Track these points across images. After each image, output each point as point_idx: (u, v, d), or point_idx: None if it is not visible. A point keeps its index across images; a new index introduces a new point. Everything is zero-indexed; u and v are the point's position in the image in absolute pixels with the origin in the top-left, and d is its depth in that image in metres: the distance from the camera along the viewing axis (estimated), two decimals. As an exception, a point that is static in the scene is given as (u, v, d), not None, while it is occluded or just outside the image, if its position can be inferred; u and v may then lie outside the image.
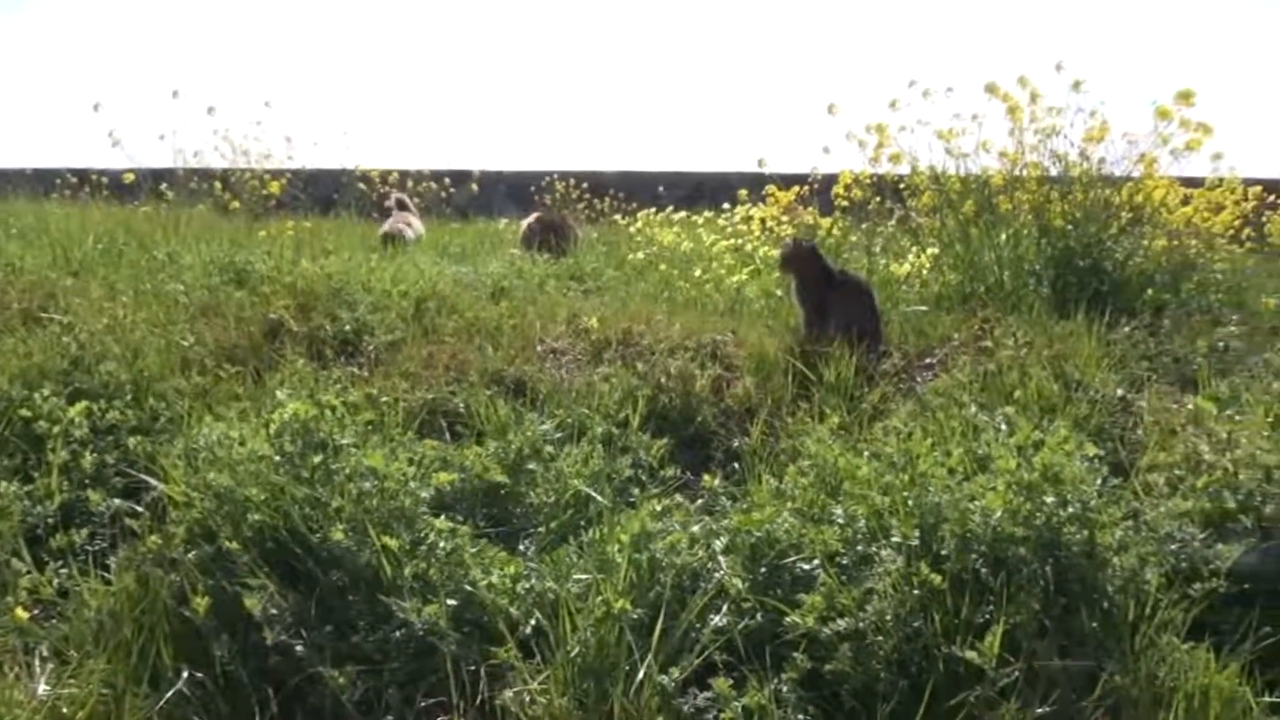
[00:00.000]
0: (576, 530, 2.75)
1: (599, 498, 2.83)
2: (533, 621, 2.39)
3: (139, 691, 2.28)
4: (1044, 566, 2.38)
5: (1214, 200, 5.55)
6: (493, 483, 2.89)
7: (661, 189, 10.58)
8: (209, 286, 4.42)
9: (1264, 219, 5.70)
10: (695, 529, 2.65)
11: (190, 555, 2.49)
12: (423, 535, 2.55)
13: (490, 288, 4.90)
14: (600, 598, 2.32)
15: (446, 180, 10.60)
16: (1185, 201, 5.47)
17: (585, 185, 10.82)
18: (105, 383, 3.38)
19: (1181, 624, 2.35)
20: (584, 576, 2.47)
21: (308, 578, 2.47)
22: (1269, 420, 3.03)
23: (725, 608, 2.38)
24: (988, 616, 2.26)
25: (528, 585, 2.47)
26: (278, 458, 2.65)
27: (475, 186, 11.08)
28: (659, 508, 2.71)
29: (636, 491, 2.96)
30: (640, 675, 2.19)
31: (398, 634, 2.34)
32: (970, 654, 2.15)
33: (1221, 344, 3.97)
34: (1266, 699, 2.22)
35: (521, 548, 2.72)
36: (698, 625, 2.33)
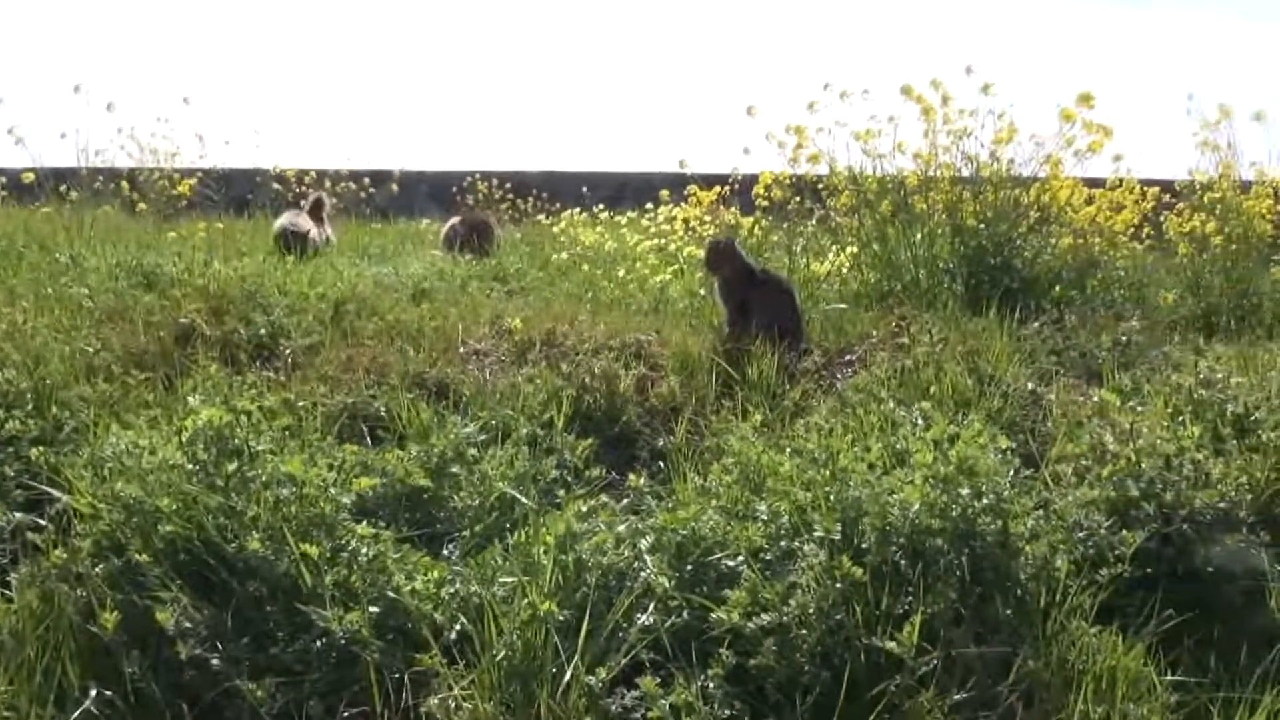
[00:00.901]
0: (501, 533, 2.73)
1: (524, 500, 2.81)
2: (458, 626, 2.37)
3: (44, 713, 2.18)
4: (960, 557, 2.45)
5: (1116, 200, 5.77)
6: (416, 487, 2.85)
7: (585, 189, 10.55)
8: (115, 290, 4.26)
9: (1162, 218, 5.94)
10: (621, 529, 2.65)
11: (98, 569, 2.40)
12: (344, 542, 2.50)
13: (411, 289, 4.83)
14: (526, 600, 2.30)
15: (366, 180, 10.40)
16: (1089, 201, 5.68)
17: (508, 185, 10.73)
18: (4, 391, 3.23)
19: (1090, 609, 2.45)
20: (509, 579, 2.45)
21: (223, 589, 2.40)
22: (1168, 411, 3.17)
23: (651, 606, 2.39)
24: (907, 607, 2.32)
25: (452, 590, 2.45)
26: (190, 466, 2.56)
27: (396, 186, 10.89)
28: (584, 508, 2.71)
29: (562, 492, 2.94)
30: (567, 677, 2.19)
31: (318, 644, 2.29)
32: (890, 644, 2.20)
33: (1124, 338, 4.14)
34: (1169, 678, 2.32)
35: (446, 552, 2.69)
36: (624, 625, 2.34)
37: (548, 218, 8.59)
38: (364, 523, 2.56)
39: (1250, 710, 2.21)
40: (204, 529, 2.45)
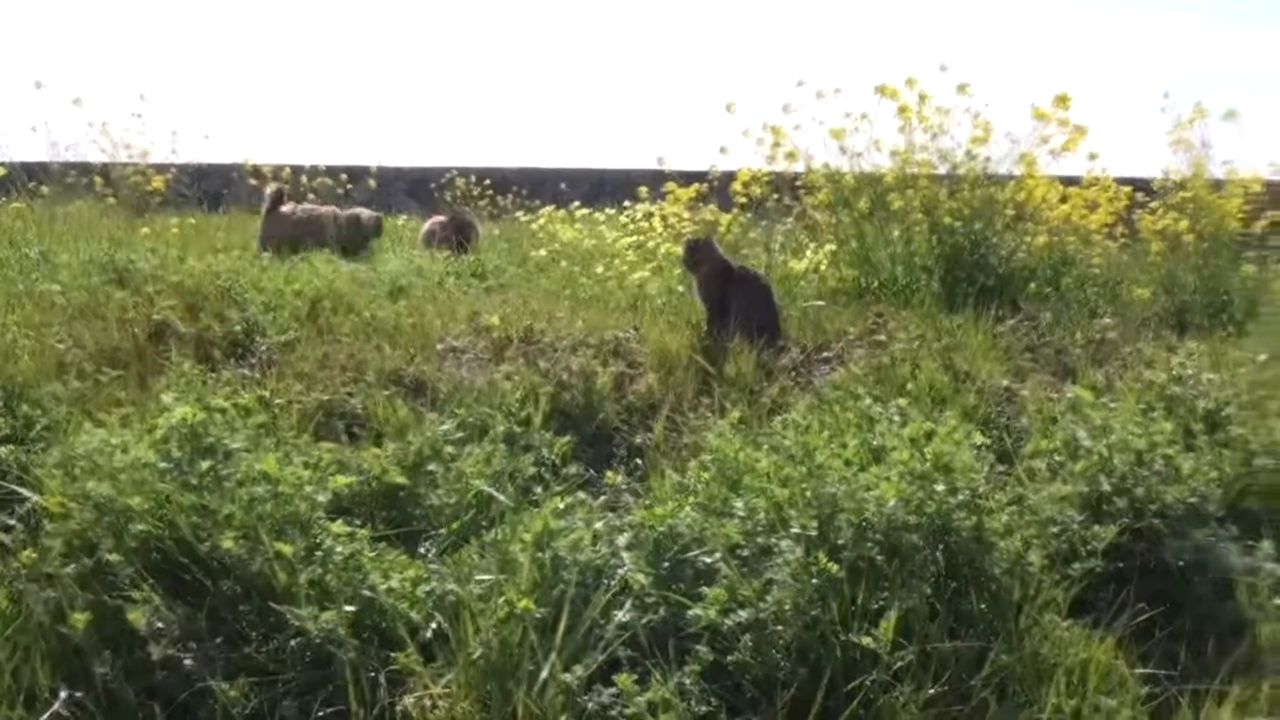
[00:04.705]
0: (479, 531, 2.72)
1: (501, 497, 2.80)
2: (434, 625, 2.36)
3: (13, 715, 2.16)
4: (935, 552, 2.47)
5: (1090, 198, 5.82)
6: (392, 485, 2.84)
7: (564, 186, 10.54)
8: (87, 287, 4.20)
9: (1135, 216, 6.00)
10: (598, 526, 2.64)
11: (68, 569, 2.37)
12: (319, 541, 2.48)
13: (389, 286, 4.80)
14: (503, 598, 2.30)
15: (343, 176, 10.33)
16: (1064, 199, 5.72)
17: (488, 182, 10.69)
18: (-27, 389, 3.18)
19: (1063, 603, 2.47)
20: (486, 577, 2.44)
21: (196, 589, 2.37)
22: (1140, 407, 3.20)
23: (629, 604, 2.39)
24: (883, 602, 2.33)
25: (429, 588, 2.44)
26: (163, 465, 2.54)
27: (373, 183, 10.83)
28: (562, 505, 2.70)
29: (539, 490, 2.94)
30: (544, 674, 2.18)
31: (293, 643, 2.28)
32: (866, 640, 2.21)
33: (1098, 335, 4.18)
34: (1140, 670, 2.35)
35: (422, 550, 2.68)
36: (601, 622, 2.33)
37: (526, 214, 8.56)
38: (340, 521, 2.55)
39: (1218, 701, 2.24)
40: (177, 528, 2.43)
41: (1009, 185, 5.41)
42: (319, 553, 2.44)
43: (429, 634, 2.35)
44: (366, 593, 2.39)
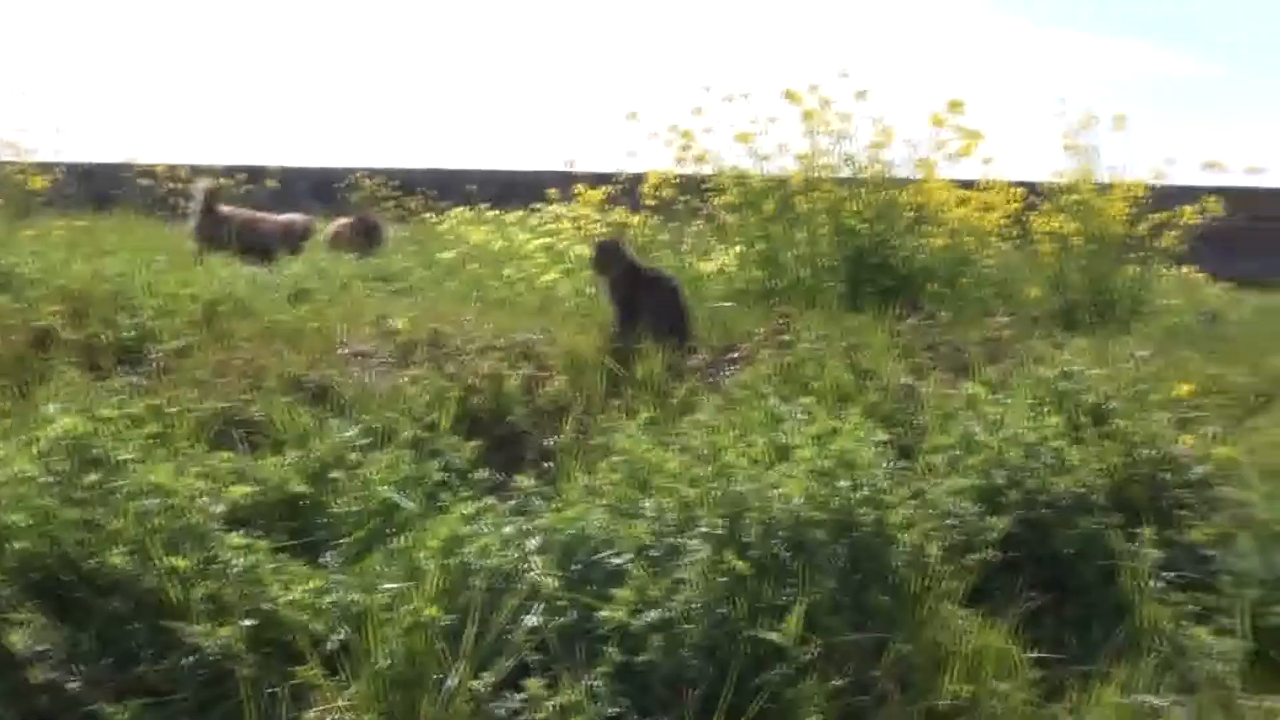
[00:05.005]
0: (384, 539, 2.67)
1: (407, 504, 2.75)
2: (338, 636, 2.30)
3: (-121, 748, 2.03)
4: (839, 547, 2.52)
5: (986, 201, 6.04)
6: (293, 494, 2.76)
7: (474, 187, 10.43)
8: (-37, 292, 3.99)
9: (1027, 218, 6.25)
10: (507, 530, 2.62)
11: (-60, 592, 2.24)
12: (215, 554, 2.40)
13: (291, 289, 4.67)
14: (409, 606, 2.26)
15: (244, 176, 10.03)
16: (961, 202, 5.93)
17: (395, 183, 10.52)
18: None
19: (960, 592, 2.55)
20: (392, 586, 2.40)
21: (82, 608, 2.27)
22: (1030, 402, 3.33)
23: (538, 607, 2.37)
24: (789, 598, 2.37)
25: (332, 599, 2.38)
26: (46, 478, 2.41)
27: (274, 183, 10.54)
28: (470, 511, 2.66)
29: (447, 495, 2.90)
30: (451, 682, 2.15)
31: (187, 661, 2.19)
32: (773, 635, 2.25)
33: (993, 334, 4.33)
34: (1032, 654, 2.44)
35: (326, 560, 2.61)
36: (510, 627, 2.31)
37: (435, 216, 8.46)
38: (238, 533, 2.47)
39: (1103, 682, 2.35)
40: (61, 545, 2.31)
41: (909, 188, 5.59)
42: (215, 566, 2.36)
43: (333, 646, 2.29)
44: (266, 606, 2.31)
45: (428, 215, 8.74)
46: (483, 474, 3.07)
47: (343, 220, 6.90)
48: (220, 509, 2.52)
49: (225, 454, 2.87)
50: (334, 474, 2.86)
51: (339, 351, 3.82)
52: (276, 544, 2.55)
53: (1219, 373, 4.13)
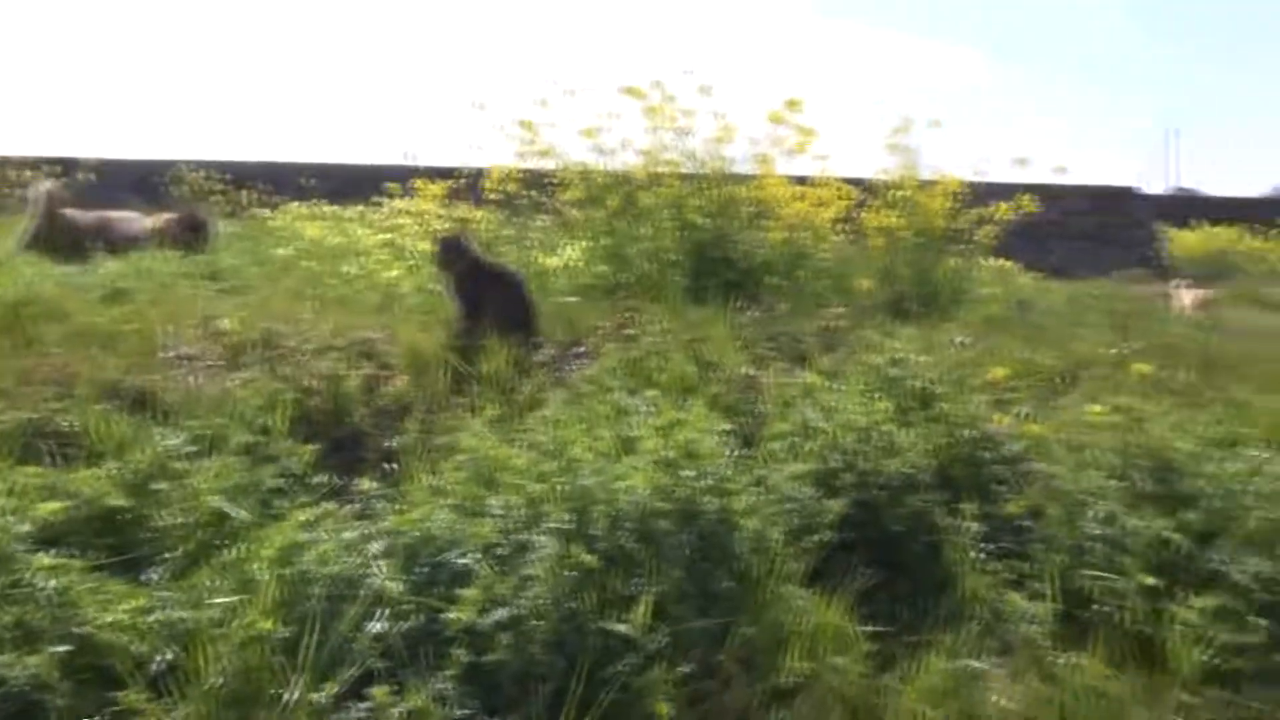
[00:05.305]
0: (214, 551, 2.53)
1: (238, 513, 2.62)
2: (164, 657, 2.17)
3: None
4: (685, 536, 2.57)
5: (821, 197, 6.29)
6: (111, 508, 2.58)
7: (311, 181, 10.04)
8: None
9: (859, 213, 6.54)
10: (349, 535, 2.53)
11: None
12: (22, 576, 2.21)
13: (106, 289, 4.36)
14: (242, 620, 2.15)
15: (59, 168, 9.29)
16: (798, 198, 6.15)
17: (225, 176, 10.00)
18: None
19: (801, 574, 2.65)
20: (223, 600, 2.28)
21: None
22: (863, 389, 3.49)
23: (383, 613, 2.31)
24: (637, 588, 2.40)
25: (156, 618, 2.23)
26: None
27: (91, 176, 9.81)
28: (308, 517, 2.56)
29: (283, 502, 2.78)
30: (291, 696, 2.07)
31: (-8, 694, 2.02)
32: (621, 626, 2.27)
33: (828, 324, 4.52)
34: (867, 629, 2.56)
35: (150, 577, 2.45)
36: (353, 635, 2.24)
37: (268, 211, 8.09)
38: (48, 552, 2.28)
39: (931, 650, 2.49)
40: None
41: (749, 184, 5.75)
42: (21, 590, 2.17)
43: (158, 667, 2.15)
44: (81, 629, 2.15)
45: (261, 210, 8.34)
46: (321, 478, 2.96)
47: (166, 216, 6.49)
48: (26, 528, 2.33)
49: (32, 468, 2.66)
50: (157, 485, 2.69)
51: (161, 355, 3.59)
52: (92, 562, 2.38)
53: (1030, 357, 4.44)
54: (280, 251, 5.86)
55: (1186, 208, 20.12)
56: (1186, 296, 8.61)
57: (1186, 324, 6.29)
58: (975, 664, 2.44)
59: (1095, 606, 2.65)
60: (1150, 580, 2.60)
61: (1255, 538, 2.74)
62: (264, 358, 3.62)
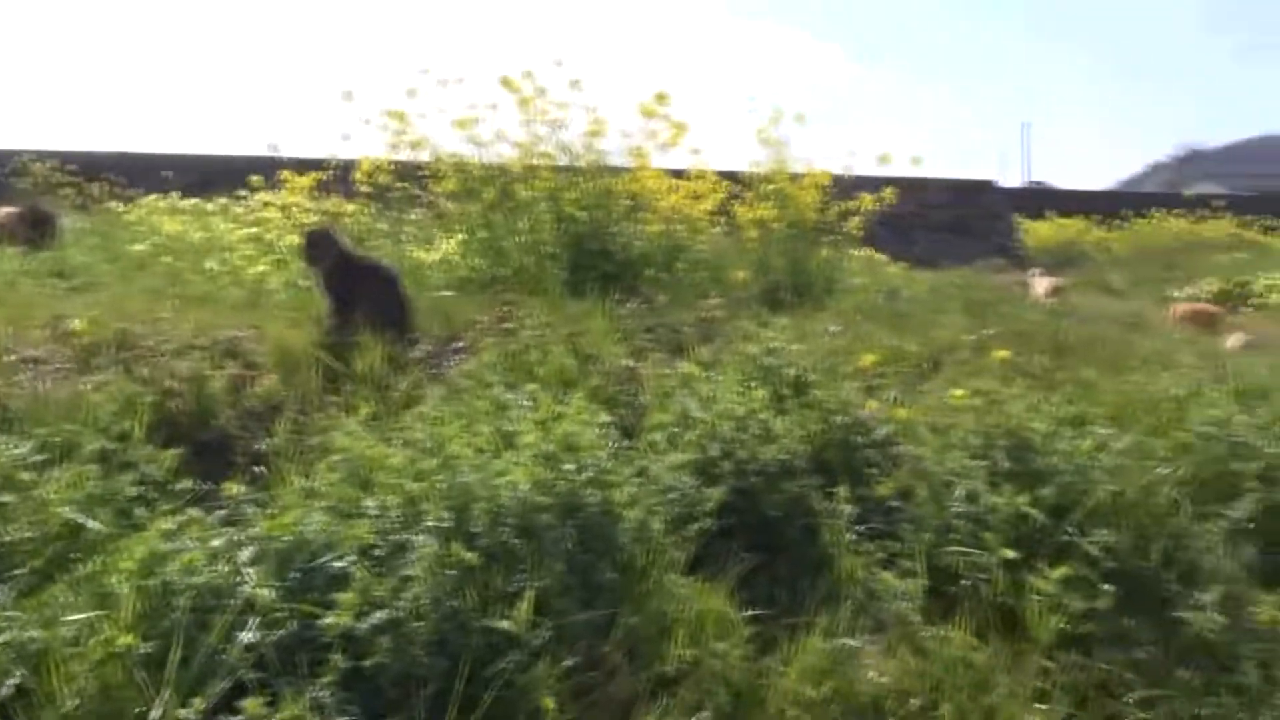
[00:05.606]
0: (67, 565, 2.38)
1: (93, 524, 2.48)
2: (12, 680, 2.03)
3: None
4: (567, 529, 2.57)
5: (695, 190, 6.38)
6: (-52, 525, 2.40)
7: (169, 173, 9.54)
8: None
9: (733, 206, 6.67)
10: (216, 543, 2.42)
11: None
12: None
13: (-62, 289, 4.05)
14: (100, 637, 2.04)
15: None
16: (673, 190, 6.22)
17: (73, 167, 9.41)
18: None
19: (683, 562, 2.68)
20: (79, 616, 2.15)
21: None
22: (739, 378, 3.56)
23: (254, 622, 2.22)
24: (520, 584, 2.38)
25: (4, 639, 2.09)
26: None
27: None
28: (170, 526, 2.44)
29: (143, 511, 2.64)
30: (155, 714, 1.97)
31: None
32: (504, 623, 2.25)
33: (705, 315, 4.59)
34: (747, 613, 2.62)
35: (-6, 596, 2.29)
36: (223, 647, 2.15)
37: (123, 205, 7.65)
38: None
39: (809, 631, 2.56)
40: None
41: (624, 177, 5.77)
42: None
43: (6, 692, 2.01)
44: (-86, 658, 2.00)
45: (114, 204, 7.89)
46: (185, 484, 2.83)
47: (7, 209, 6.07)
48: None
49: None
50: (2, 498, 2.51)
51: (4, 359, 3.35)
52: (-72, 584, 2.21)
53: (897, 344, 4.62)
54: (136, 247, 5.54)
55: (1040, 200, 21.35)
56: (1041, 284, 9.12)
57: (1041, 310, 6.66)
58: (851, 642, 2.52)
59: (961, 581, 2.78)
60: (1010, 554, 2.73)
61: (1103, 510, 2.93)
62: (119, 359, 3.43)
